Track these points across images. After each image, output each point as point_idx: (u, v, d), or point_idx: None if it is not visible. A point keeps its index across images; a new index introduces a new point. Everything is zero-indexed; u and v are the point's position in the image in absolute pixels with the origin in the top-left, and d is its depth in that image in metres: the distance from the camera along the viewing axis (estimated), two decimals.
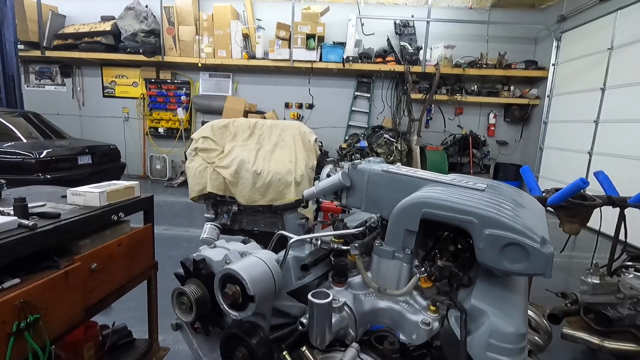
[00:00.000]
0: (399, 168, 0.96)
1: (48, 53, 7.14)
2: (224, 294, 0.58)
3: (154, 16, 7.17)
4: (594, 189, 2.41)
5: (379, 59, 6.96)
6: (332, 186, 0.98)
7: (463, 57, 7.01)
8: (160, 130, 7.71)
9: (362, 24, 7.16)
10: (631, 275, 2.31)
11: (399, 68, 6.86)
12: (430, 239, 0.88)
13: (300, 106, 7.70)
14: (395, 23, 7.16)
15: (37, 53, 7.15)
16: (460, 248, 0.83)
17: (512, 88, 7.21)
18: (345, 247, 0.82)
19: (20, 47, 6.65)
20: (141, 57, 7.01)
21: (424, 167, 6.80)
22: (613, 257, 2.61)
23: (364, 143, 6.77)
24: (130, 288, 1.65)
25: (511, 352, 0.60)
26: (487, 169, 7.25)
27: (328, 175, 1.02)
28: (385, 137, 6.76)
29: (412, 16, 7.12)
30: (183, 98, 7.63)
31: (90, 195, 1.49)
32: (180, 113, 7.43)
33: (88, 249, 1.41)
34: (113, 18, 7.24)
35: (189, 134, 7.69)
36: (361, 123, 7.63)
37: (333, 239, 0.84)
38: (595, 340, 2.12)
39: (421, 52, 6.93)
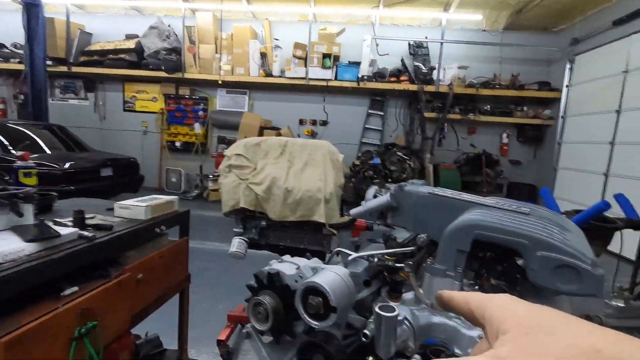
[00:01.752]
0: (444, 191, 1.02)
1: (74, 69, 7.45)
2: (307, 305, 0.64)
3: (176, 35, 7.47)
4: (613, 211, 2.42)
5: (393, 78, 7.11)
6: (379, 206, 1.04)
7: (476, 78, 7.12)
8: (177, 144, 7.90)
9: (377, 45, 7.35)
10: None
11: (413, 87, 7.00)
12: (475, 259, 0.93)
13: (314, 123, 7.84)
14: (409, 44, 7.33)
15: (64, 68, 7.45)
16: (506, 267, 0.88)
17: (525, 108, 7.27)
18: (399, 265, 0.88)
19: (48, 62, 6.96)
20: (162, 74, 7.27)
21: (436, 185, 6.81)
22: (635, 281, 2.59)
23: (376, 160, 6.84)
24: (167, 298, 1.71)
25: None
26: (501, 188, 7.24)
27: (375, 196, 1.08)
28: (398, 155, 6.84)
29: (426, 37, 7.29)
30: (200, 113, 7.83)
31: (137, 208, 1.57)
32: (197, 128, 7.62)
33: (134, 259, 1.48)
34: (137, 36, 7.55)
35: (205, 148, 7.87)
36: (374, 140, 7.73)
37: (386, 256, 0.90)
38: None
39: (435, 72, 7.07)
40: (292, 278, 0.73)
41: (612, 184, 5.34)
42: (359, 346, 0.80)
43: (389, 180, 6.54)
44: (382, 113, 7.68)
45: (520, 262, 0.87)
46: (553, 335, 0.23)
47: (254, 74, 7.22)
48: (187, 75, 7.37)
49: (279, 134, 7.10)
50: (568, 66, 6.74)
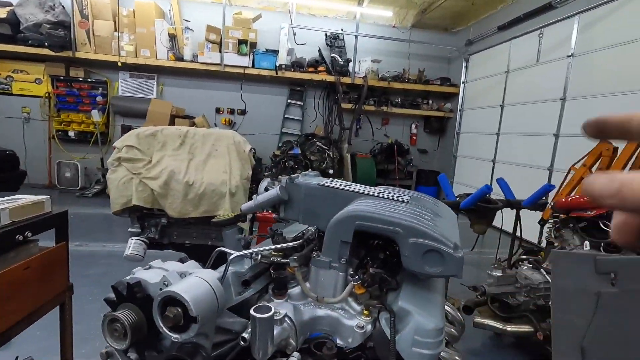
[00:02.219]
0: (334, 182, 1.03)
1: None
2: (164, 318, 0.57)
3: (63, 7, 6.43)
4: (497, 192, 2.78)
5: (311, 69, 7.14)
6: (270, 200, 1.00)
7: (388, 71, 7.54)
8: (71, 133, 6.89)
9: (295, 33, 7.29)
10: (525, 267, 2.71)
11: (330, 78, 7.12)
12: (362, 248, 0.95)
13: (232, 112, 7.52)
14: (326, 35, 7.42)
15: None
16: (388, 255, 0.91)
17: (430, 102, 7.95)
18: (284, 260, 0.85)
19: None
20: (47, 51, 6.22)
21: (354, 174, 7.12)
22: (512, 252, 3.03)
23: (297, 150, 6.86)
24: (40, 315, 1.47)
25: (432, 346, 0.69)
26: (411, 175, 7.86)
27: (266, 189, 1.04)
28: (317, 145, 6.94)
29: (342, 30, 7.46)
30: (99, 99, 6.92)
31: None
32: (96, 115, 6.73)
33: None
34: (10, 4, 6.31)
35: (106, 138, 7.02)
36: (294, 130, 7.73)
37: (272, 252, 0.87)
38: (499, 325, 2.45)
39: (350, 64, 7.29)
40: (156, 287, 0.65)
41: (498, 169, 6.17)
42: (241, 349, 0.76)
43: (309, 169, 6.61)
44: (301, 103, 7.70)
45: None
46: None
47: (162, 57, 6.61)
48: (80, 55, 6.43)
49: (193, 124, 6.66)
50: (464, 64, 7.53)
